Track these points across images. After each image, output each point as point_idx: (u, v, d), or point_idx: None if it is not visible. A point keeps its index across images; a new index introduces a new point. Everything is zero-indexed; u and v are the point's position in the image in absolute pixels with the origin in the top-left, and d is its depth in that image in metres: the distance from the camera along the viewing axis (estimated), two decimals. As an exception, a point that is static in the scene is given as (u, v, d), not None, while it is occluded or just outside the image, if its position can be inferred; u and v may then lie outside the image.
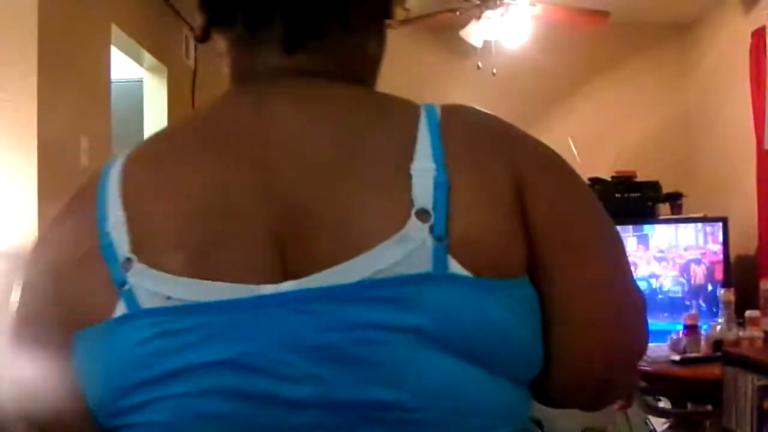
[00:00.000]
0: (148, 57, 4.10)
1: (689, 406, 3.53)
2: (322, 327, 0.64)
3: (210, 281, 0.66)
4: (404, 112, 0.74)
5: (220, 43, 0.82)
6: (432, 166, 0.68)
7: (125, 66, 4.08)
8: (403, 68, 4.95)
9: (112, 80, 3.46)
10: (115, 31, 3.50)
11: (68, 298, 0.71)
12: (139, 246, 0.69)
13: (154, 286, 0.67)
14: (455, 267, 0.65)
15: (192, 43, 4.83)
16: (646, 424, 3.56)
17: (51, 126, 2.72)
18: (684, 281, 3.88)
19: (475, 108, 0.77)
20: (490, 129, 0.75)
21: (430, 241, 0.66)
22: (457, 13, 3.92)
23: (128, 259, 0.68)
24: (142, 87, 4.31)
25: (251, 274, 0.66)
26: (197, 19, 0.81)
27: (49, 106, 2.70)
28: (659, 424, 3.42)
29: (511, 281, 0.68)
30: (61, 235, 0.76)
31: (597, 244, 0.74)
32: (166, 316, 0.66)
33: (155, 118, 4.31)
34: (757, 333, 3.30)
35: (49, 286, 0.73)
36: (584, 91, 4.85)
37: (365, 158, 0.71)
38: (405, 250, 0.65)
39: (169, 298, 0.66)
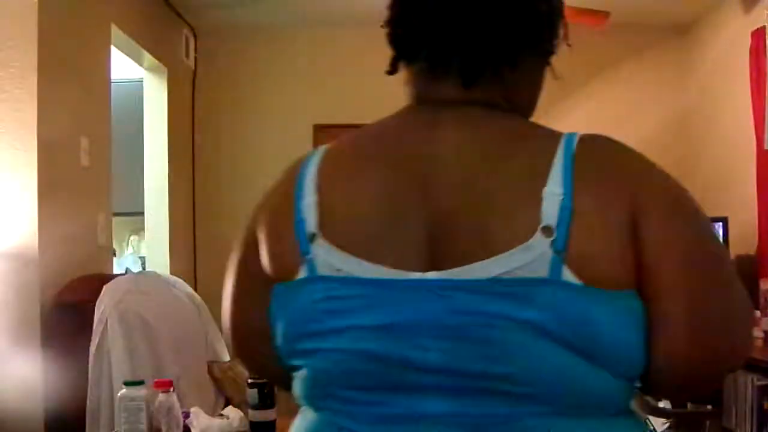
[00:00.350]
0: (148, 57, 4.10)
1: (689, 406, 3.52)
2: (454, 310, 0.81)
3: (372, 262, 0.84)
4: (547, 141, 0.87)
5: (403, 72, 0.98)
6: (561, 191, 0.82)
7: (125, 66, 4.08)
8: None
9: (112, 80, 3.46)
10: (115, 31, 3.50)
11: (269, 258, 0.93)
12: (322, 225, 0.88)
13: (329, 259, 0.86)
14: (568, 275, 0.80)
15: (192, 43, 4.83)
16: (646, 424, 3.55)
17: (51, 126, 2.72)
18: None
19: (607, 139, 0.89)
20: (616, 160, 0.87)
21: (550, 253, 0.80)
22: None
23: (313, 234, 0.88)
24: (142, 87, 4.31)
25: (404, 261, 0.84)
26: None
27: (49, 106, 2.70)
28: (659, 424, 3.42)
29: (617, 293, 0.81)
30: (269, 204, 0.97)
31: (703, 266, 0.84)
32: (336, 283, 0.86)
33: (155, 118, 4.31)
34: (757, 333, 3.30)
35: (255, 247, 0.95)
36: (584, 91, 4.85)
37: (507, 179, 0.86)
38: (529, 257, 0.80)
39: (339, 270, 0.86)
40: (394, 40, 0.97)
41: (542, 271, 0.80)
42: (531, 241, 0.80)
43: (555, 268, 0.79)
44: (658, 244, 0.82)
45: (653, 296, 0.83)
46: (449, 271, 0.82)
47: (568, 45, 1.02)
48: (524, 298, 0.80)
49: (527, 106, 1.00)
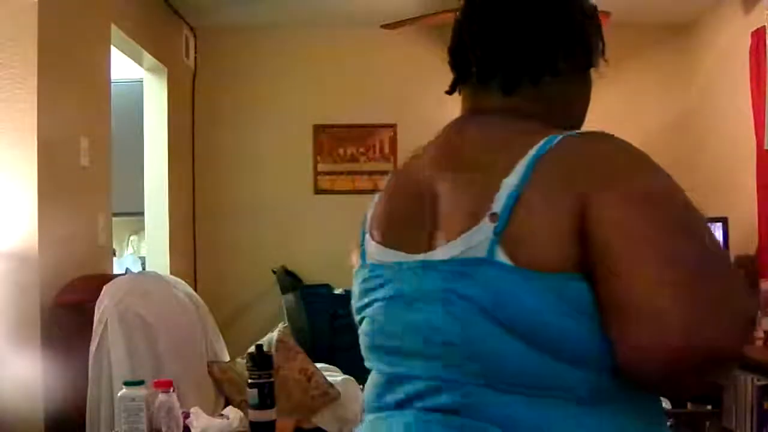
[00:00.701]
0: (148, 57, 4.09)
1: (689, 406, 3.53)
2: (426, 285, 0.97)
3: (392, 249, 1.05)
4: (533, 140, 0.95)
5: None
6: (515, 182, 0.92)
7: (125, 66, 4.08)
8: (404, 68, 4.95)
9: (112, 80, 3.45)
10: (115, 31, 3.49)
11: (355, 258, 1.15)
12: (370, 223, 1.12)
13: (370, 249, 1.09)
14: (501, 256, 0.90)
15: (192, 43, 4.83)
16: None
17: (51, 126, 2.72)
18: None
19: (592, 135, 0.96)
20: (581, 156, 0.93)
21: (491, 235, 0.91)
22: (457, 13, 3.92)
23: (366, 231, 1.12)
24: (142, 87, 4.31)
25: (411, 246, 1.01)
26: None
27: (49, 106, 2.70)
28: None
29: (551, 275, 0.87)
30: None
31: (654, 252, 0.84)
32: (369, 268, 1.08)
33: (155, 118, 4.31)
34: (757, 333, 3.30)
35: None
36: (584, 91, 4.84)
37: (486, 173, 0.96)
38: (476, 240, 0.92)
39: (373, 257, 1.08)
40: (453, 64, 1.14)
41: (482, 252, 0.91)
42: (480, 224, 0.92)
43: (491, 250, 0.90)
44: (605, 233, 0.86)
45: (605, 282, 0.85)
46: (428, 252, 0.98)
47: (605, 60, 1.13)
48: (467, 275, 0.92)
49: (568, 115, 1.10)
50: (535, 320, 0.87)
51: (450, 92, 1.14)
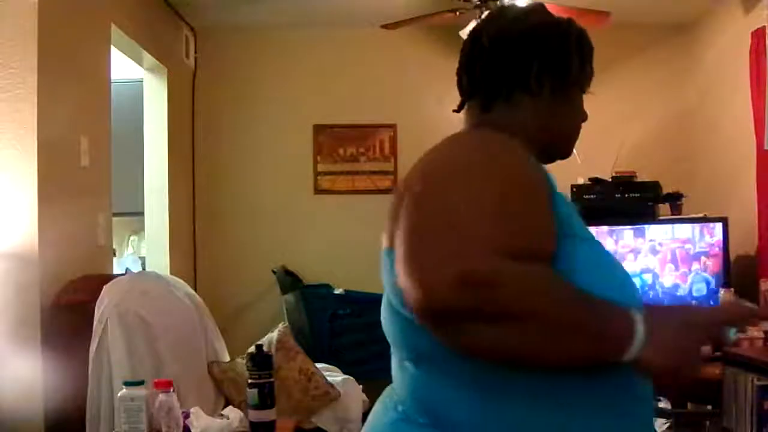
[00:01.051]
0: (148, 57, 4.09)
1: (689, 406, 3.53)
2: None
3: None
4: None
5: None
6: (403, 185, 1.11)
7: (125, 66, 4.08)
8: (404, 68, 4.96)
9: (112, 80, 3.45)
10: (115, 31, 3.49)
11: None
12: None
13: None
14: (387, 241, 1.13)
15: (192, 43, 4.83)
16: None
17: (51, 126, 2.72)
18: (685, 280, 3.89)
19: (448, 138, 1.13)
20: (419, 163, 1.12)
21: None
22: (457, 13, 3.91)
23: None
24: (142, 87, 4.31)
25: None
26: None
27: (49, 106, 2.70)
28: (659, 424, 3.42)
29: (391, 249, 1.09)
30: None
31: (404, 241, 1.04)
32: None
33: (155, 118, 4.31)
34: (757, 333, 3.30)
35: None
36: (584, 91, 4.84)
37: None
38: None
39: None
40: (458, 87, 1.29)
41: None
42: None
43: (388, 237, 1.12)
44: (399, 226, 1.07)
45: None
46: None
47: (589, 85, 1.32)
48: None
49: (549, 131, 1.25)
50: (393, 290, 1.09)
51: (457, 111, 1.29)
